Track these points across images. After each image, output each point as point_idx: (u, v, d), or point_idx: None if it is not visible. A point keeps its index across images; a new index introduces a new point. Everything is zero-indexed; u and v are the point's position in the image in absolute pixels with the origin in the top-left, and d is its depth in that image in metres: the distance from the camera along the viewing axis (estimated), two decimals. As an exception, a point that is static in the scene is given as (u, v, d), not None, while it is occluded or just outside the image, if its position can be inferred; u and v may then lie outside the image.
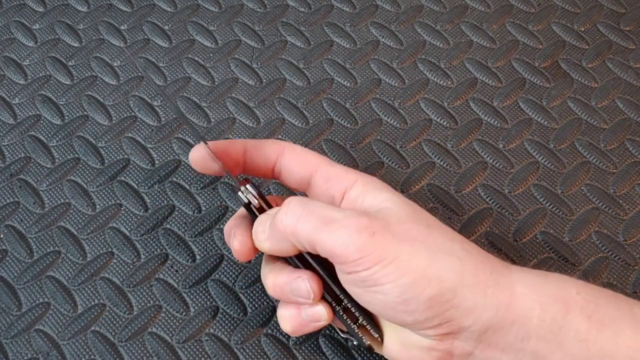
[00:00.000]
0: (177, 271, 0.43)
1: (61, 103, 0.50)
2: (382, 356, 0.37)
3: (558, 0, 0.56)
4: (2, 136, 0.49)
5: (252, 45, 0.53)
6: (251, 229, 0.37)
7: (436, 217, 0.35)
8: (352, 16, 0.55)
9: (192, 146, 0.48)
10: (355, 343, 0.37)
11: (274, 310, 0.42)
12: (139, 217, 0.45)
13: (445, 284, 0.31)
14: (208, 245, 0.44)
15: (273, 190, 0.46)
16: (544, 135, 0.49)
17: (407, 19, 0.55)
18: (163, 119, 0.50)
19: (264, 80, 0.51)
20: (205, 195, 0.46)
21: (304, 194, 0.40)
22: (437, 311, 0.32)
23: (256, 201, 0.37)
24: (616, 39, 0.53)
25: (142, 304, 0.42)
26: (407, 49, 0.53)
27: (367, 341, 0.36)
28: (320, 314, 0.36)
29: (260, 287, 0.42)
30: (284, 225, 0.34)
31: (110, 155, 0.48)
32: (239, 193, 0.37)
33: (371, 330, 0.36)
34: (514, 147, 0.48)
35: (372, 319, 0.36)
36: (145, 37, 0.54)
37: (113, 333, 0.41)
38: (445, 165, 0.47)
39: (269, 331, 0.41)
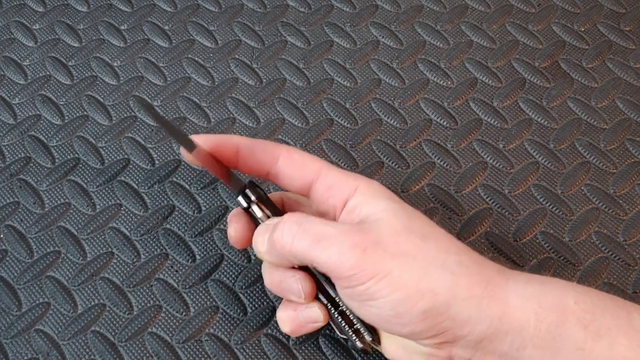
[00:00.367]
0: (177, 271, 0.43)
1: (61, 103, 0.50)
2: (382, 358, 0.37)
3: (558, 0, 0.56)
4: (2, 136, 0.49)
5: (252, 45, 0.53)
6: (249, 220, 0.39)
7: (436, 218, 0.36)
8: (352, 16, 0.55)
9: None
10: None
11: (274, 310, 0.42)
12: (139, 217, 0.45)
13: (439, 297, 0.32)
14: (208, 245, 0.44)
15: (273, 189, 0.46)
16: (544, 135, 0.49)
17: (407, 19, 0.55)
18: (163, 119, 0.50)
19: (264, 80, 0.51)
20: (205, 195, 0.46)
21: None
22: (432, 323, 0.32)
23: (256, 207, 0.38)
24: (616, 39, 0.53)
25: (142, 304, 0.42)
26: (407, 49, 0.53)
27: (361, 344, 0.36)
28: (315, 316, 0.37)
29: (260, 287, 0.43)
30: (281, 244, 0.35)
31: (110, 155, 0.48)
32: (239, 198, 0.38)
33: (365, 334, 0.36)
34: (514, 147, 0.48)
35: (368, 325, 0.37)
36: (145, 37, 0.54)
37: (113, 333, 0.41)
38: (445, 165, 0.47)
39: (269, 331, 0.41)
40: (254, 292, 0.42)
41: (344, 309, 0.36)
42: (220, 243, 0.44)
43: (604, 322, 0.32)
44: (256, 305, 0.42)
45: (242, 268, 0.43)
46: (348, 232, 0.33)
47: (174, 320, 0.41)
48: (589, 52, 0.53)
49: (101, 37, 0.54)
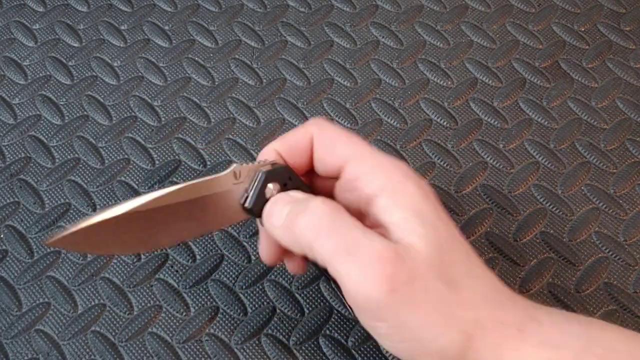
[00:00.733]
0: (177, 271, 0.43)
1: (61, 103, 0.50)
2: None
3: (558, 0, 0.56)
4: (2, 136, 0.49)
5: (252, 45, 0.53)
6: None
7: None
8: (352, 16, 0.55)
9: (192, 146, 0.48)
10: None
11: (274, 310, 0.42)
12: (139, 217, 0.45)
13: (446, 357, 0.30)
14: (208, 245, 0.44)
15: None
16: (544, 135, 0.49)
17: (407, 19, 0.55)
18: (163, 119, 0.49)
19: (264, 80, 0.51)
20: (206, 195, 0.46)
21: None
22: None
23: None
24: (616, 39, 0.53)
25: (142, 304, 0.42)
26: (407, 49, 0.53)
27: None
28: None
29: (260, 287, 0.42)
30: (303, 235, 0.31)
31: (110, 155, 0.48)
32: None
33: None
34: (514, 147, 0.48)
35: None
36: (145, 37, 0.54)
37: (113, 333, 0.41)
38: (445, 165, 0.47)
39: (269, 331, 0.41)
40: (254, 292, 0.42)
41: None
42: (220, 243, 0.44)
43: None
44: (256, 305, 0.42)
45: (242, 268, 0.43)
46: (382, 258, 0.29)
47: (174, 320, 0.41)
48: (589, 52, 0.53)
49: (101, 37, 0.54)
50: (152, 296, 0.42)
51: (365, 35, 0.54)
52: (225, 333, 0.41)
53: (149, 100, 0.50)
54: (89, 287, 0.43)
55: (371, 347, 0.40)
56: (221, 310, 0.42)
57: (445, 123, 0.49)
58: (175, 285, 0.43)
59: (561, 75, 0.52)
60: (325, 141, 0.34)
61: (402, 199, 0.31)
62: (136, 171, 0.47)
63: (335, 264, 0.30)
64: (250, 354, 0.40)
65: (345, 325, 0.41)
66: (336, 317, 0.41)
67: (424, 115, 0.50)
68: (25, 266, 0.43)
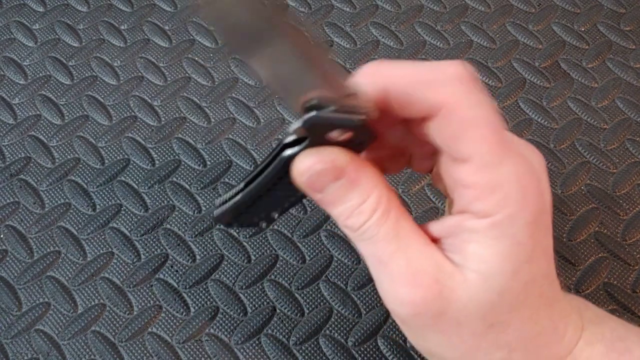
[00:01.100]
0: (177, 271, 0.43)
1: (61, 103, 0.50)
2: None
3: (558, 0, 0.56)
4: (2, 136, 0.49)
5: (252, 45, 0.53)
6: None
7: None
8: (352, 16, 0.55)
9: (192, 146, 0.48)
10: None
11: (274, 310, 0.42)
12: (139, 217, 0.45)
13: None
14: (208, 245, 0.44)
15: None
16: (544, 135, 0.49)
17: (407, 19, 0.55)
18: (163, 119, 0.50)
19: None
20: (205, 195, 0.46)
21: None
22: None
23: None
24: (616, 39, 0.53)
25: (142, 304, 0.42)
26: (407, 49, 0.53)
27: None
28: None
29: (260, 287, 0.43)
30: (348, 217, 0.26)
31: (110, 155, 0.48)
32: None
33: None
34: (514, 147, 0.48)
35: None
36: (145, 37, 0.54)
37: (113, 333, 0.41)
38: (445, 165, 0.47)
39: (269, 331, 0.41)
40: (254, 292, 0.42)
41: None
42: (220, 243, 0.44)
43: None
44: (256, 305, 0.42)
45: (242, 268, 0.43)
46: (427, 297, 0.25)
47: (174, 320, 0.41)
48: (589, 52, 0.53)
49: (101, 37, 0.54)
50: (152, 296, 0.42)
51: (365, 35, 0.54)
52: (225, 333, 0.41)
53: (149, 100, 0.50)
54: (89, 287, 0.43)
55: (371, 347, 0.40)
56: (221, 310, 0.42)
57: (445, 123, 0.49)
58: (175, 285, 0.43)
59: (561, 75, 0.52)
60: (460, 123, 0.25)
61: (509, 229, 0.25)
62: (136, 171, 0.47)
63: (377, 276, 0.27)
64: (250, 354, 0.40)
65: (345, 325, 0.41)
66: (336, 317, 0.41)
67: (424, 115, 0.50)
68: (25, 266, 0.43)
